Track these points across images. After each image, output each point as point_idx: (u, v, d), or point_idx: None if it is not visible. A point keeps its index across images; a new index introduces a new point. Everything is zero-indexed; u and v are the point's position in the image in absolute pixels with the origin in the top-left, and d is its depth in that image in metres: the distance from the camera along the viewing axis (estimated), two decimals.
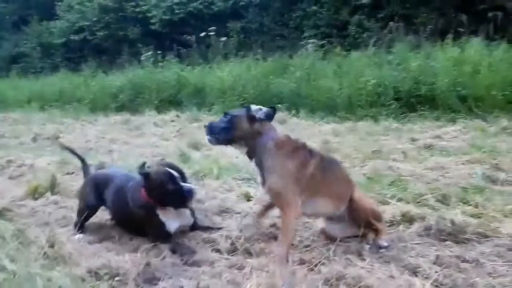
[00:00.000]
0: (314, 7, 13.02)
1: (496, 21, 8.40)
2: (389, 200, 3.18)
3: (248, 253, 2.61)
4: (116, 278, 2.23)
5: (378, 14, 11.58)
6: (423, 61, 7.55)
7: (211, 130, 2.57)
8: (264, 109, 2.56)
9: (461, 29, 8.30)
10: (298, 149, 2.57)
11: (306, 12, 13.31)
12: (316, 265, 2.37)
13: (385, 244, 2.53)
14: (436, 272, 2.19)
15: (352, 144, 5.12)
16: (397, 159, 4.33)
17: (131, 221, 2.87)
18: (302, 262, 2.46)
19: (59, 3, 18.98)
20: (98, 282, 2.13)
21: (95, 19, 17.48)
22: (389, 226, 2.87)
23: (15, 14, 22.34)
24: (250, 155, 2.58)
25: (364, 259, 2.42)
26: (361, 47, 9.23)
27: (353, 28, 11.38)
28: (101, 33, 17.26)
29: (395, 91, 7.26)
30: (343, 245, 2.61)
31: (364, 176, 3.82)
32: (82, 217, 2.97)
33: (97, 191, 3.04)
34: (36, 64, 18.47)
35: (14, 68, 17.63)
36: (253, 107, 2.56)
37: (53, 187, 3.78)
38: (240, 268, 2.41)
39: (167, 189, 2.67)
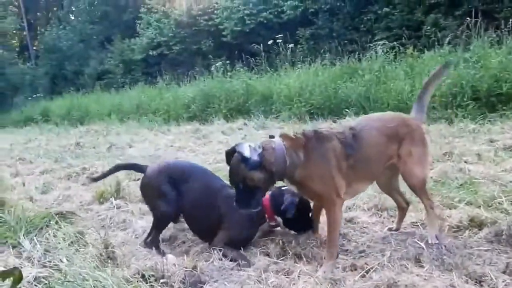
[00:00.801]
0: (386, 9, 12.61)
1: None
2: (457, 204, 2.91)
3: (298, 257, 2.50)
4: (162, 281, 2.23)
5: (456, 12, 10.93)
6: (505, 57, 6.93)
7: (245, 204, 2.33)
8: (256, 142, 2.31)
9: None
10: (314, 140, 2.34)
11: (378, 15, 12.94)
12: (368, 271, 2.20)
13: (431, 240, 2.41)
14: (504, 281, 1.93)
15: None
16: (470, 161, 3.97)
17: (212, 225, 2.74)
18: (354, 268, 2.30)
19: (139, 21, 20.16)
20: (140, 283, 2.14)
21: (171, 34, 18.36)
22: (454, 231, 2.61)
23: (101, 34, 24.15)
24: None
25: (422, 266, 2.21)
26: (435, 47, 8.71)
27: (428, 27, 10.81)
28: (177, 47, 18.11)
29: (473, 91, 6.72)
30: (400, 250, 2.41)
31: (431, 179, 3.53)
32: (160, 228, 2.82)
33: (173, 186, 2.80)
34: (118, 80, 19.75)
35: (98, 84, 19.00)
36: (244, 150, 2.22)
37: (117, 192, 3.92)
38: (288, 273, 2.31)
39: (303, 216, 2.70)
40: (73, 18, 27.36)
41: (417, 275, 2.07)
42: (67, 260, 2.45)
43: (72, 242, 2.78)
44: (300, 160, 2.28)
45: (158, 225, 2.81)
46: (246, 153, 2.21)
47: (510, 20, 7.93)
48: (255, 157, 2.20)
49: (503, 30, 7.79)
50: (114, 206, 3.67)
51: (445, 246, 2.38)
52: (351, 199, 3.21)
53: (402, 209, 2.76)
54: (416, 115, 2.69)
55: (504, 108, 6.30)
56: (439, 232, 2.51)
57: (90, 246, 2.66)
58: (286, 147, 2.28)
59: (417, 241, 2.47)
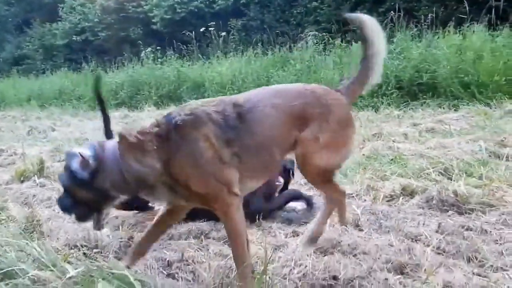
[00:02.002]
0: (315, 3, 12.92)
1: (498, 10, 8.22)
2: (389, 176, 3.05)
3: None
4: (95, 250, 2.11)
5: (380, 9, 11.46)
6: (425, 50, 7.40)
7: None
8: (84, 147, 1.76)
9: (463, 16, 8.13)
10: (173, 132, 1.72)
11: (307, 9, 13.22)
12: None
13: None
14: (438, 239, 2.04)
15: None
16: (398, 141, 4.18)
17: None
18: (295, 234, 2.33)
19: (62, 5, 19.00)
20: (72, 251, 2.00)
21: (96, 20, 17.50)
22: (388, 200, 2.73)
23: (18, 17, 22.44)
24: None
25: (361, 229, 2.28)
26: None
27: None
28: (103, 34, 17.29)
29: (397, 80, 7.10)
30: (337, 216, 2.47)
31: (364, 156, 3.67)
32: None
33: None
34: (38, 66, 18.47)
35: (15, 69, 17.64)
36: (73, 163, 1.70)
37: (40, 171, 3.67)
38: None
39: None
40: None
41: (358, 237, 2.13)
42: None
43: None
44: (153, 168, 1.69)
45: None
46: (74, 166, 1.69)
47: (429, 15, 8.46)
48: (83, 174, 1.69)
49: (423, 25, 8.31)
50: (37, 184, 3.43)
51: (381, 212, 2.48)
52: None
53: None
54: (347, 90, 2.07)
55: (425, 96, 6.71)
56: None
57: (16, 221, 2.47)
58: (125, 153, 1.71)
59: (355, 208, 2.53)
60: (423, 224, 2.27)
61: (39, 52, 19.24)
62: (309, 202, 2.75)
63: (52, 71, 15.66)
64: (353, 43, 9.07)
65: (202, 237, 2.31)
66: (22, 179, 3.57)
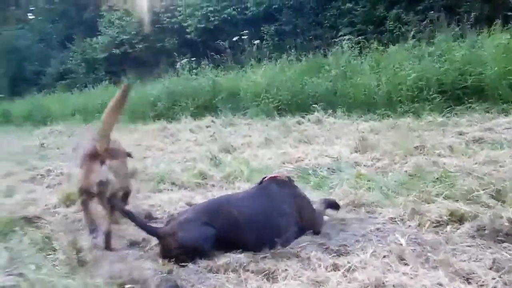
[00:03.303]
0: (349, 5, 12.67)
1: None
2: (435, 198, 2.86)
3: (280, 256, 2.37)
4: (136, 286, 2.07)
5: (417, 7, 11.10)
6: (468, 51, 7.06)
7: None
8: None
9: (510, 13, 7.71)
10: None
11: (341, 10, 12.99)
12: (351, 270, 2.10)
13: None
14: (494, 279, 1.87)
15: (392, 141, 4.77)
16: (443, 154, 3.96)
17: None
18: (336, 267, 2.19)
19: (101, 20, 19.58)
20: None
21: (134, 32, 17.91)
22: (435, 226, 2.55)
23: (61, 33, 23.37)
24: None
25: (407, 264, 2.12)
26: (400, 42, 8.81)
27: (391, 23, 10.93)
28: (140, 46, 17.67)
29: (439, 84, 6.82)
30: (382, 247, 2.32)
31: (406, 173, 3.50)
32: None
33: None
34: (81, 79, 19.11)
35: (60, 84, 18.33)
36: None
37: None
38: (270, 274, 2.18)
39: None
40: (31, 17, 26.32)
41: (403, 274, 1.98)
42: (35, 267, 2.26)
43: (39, 248, 2.57)
44: None
45: None
46: None
47: (472, 13, 8.09)
48: None
49: (465, 23, 7.95)
50: (81, 210, 3.45)
51: (427, 242, 2.31)
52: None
53: None
54: None
55: (470, 100, 6.40)
56: None
57: (60, 252, 2.47)
58: None
59: (399, 238, 2.38)
60: (476, 259, 2.09)
61: (81, 66, 19.91)
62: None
63: (94, 84, 16.16)
64: (391, 45, 8.81)
65: (241, 270, 2.22)
66: (67, 203, 3.61)
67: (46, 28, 23.82)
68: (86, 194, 2.69)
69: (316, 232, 2.64)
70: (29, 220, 3.12)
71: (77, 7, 23.86)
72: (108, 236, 2.62)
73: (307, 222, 2.65)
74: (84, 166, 2.67)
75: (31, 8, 27.25)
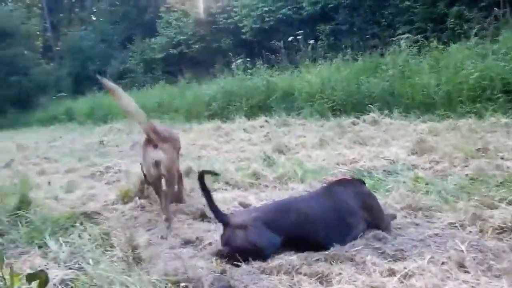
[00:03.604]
0: (408, 2, 12.30)
1: None
2: (498, 204, 2.74)
3: (334, 258, 2.37)
4: (190, 285, 2.15)
5: (481, 3, 10.58)
6: None
7: None
8: None
9: None
10: None
11: (399, 8, 12.64)
12: (407, 276, 2.06)
13: None
14: None
15: (452, 143, 4.61)
16: (507, 157, 3.78)
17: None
18: (392, 272, 2.16)
19: (159, 21, 20.25)
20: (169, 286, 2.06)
21: (190, 33, 18.39)
22: (498, 233, 2.45)
23: (122, 34, 24.43)
24: None
25: (467, 271, 2.06)
26: (461, 40, 8.45)
27: (452, 20, 10.50)
28: (197, 46, 18.12)
29: (503, 83, 6.49)
30: (440, 253, 2.26)
31: (467, 177, 3.37)
32: None
33: None
34: (139, 79, 19.88)
35: (120, 83, 19.12)
36: None
37: (142, 191, 3.86)
38: (323, 277, 2.19)
39: None
40: (94, 18, 27.69)
41: (464, 282, 1.93)
42: (94, 262, 2.40)
43: (98, 243, 2.72)
44: None
45: None
46: None
47: None
48: None
49: None
50: (138, 206, 3.61)
51: (490, 249, 2.23)
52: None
53: None
54: None
55: None
56: None
57: (117, 248, 2.60)
58: None
59: (459, 243, 2.32)
60: None
61: (140, 66, 20.73)
62: None
63: (152, 84, 16.76)
64: (451, 43, 8.48)
65: (293, 272, 2.24)
66: (125, 200, 3.79)
67: (108, 29, 25.01)
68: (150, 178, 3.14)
69: (384, 229, 2.62)
70: (89, 216, 3.29)
71: (137, 9, 24.86)
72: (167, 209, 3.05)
73: (375, 220, 2.65)
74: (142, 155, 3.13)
75: (94, 10, 28.68)
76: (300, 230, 2.47)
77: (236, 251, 2.39)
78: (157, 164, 3.03)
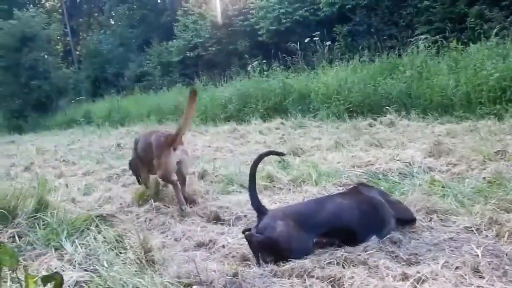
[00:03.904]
0: (427, 2, 12.15)
1: None
2: None
3: (346, 262, 2.35)
4: (202, 287, 2.16)
5: (503, 2, 10.39)
6: None
7: None
8: None
9: None
10: None
11: (418, 8, 12.49)
12: (420, 281, 2.04)
13: None
14: None
15: (470, 145, 4.53)
16: None
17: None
18: (405, 276, 2.13)
19: (177, 24, 20.43)
20: None
21: (207, 36, 18.49)
22: None
23: (140, 38, 24.76)
24: None
25: (482, 277, 2.02)
26: (481, 40, 8.30)
27: (472, 19, 10.33)
28: (213, 48, 18.22)
29: None
30: (455, 258, 2.23)
31: (484, 180, 3.31)
32: None
33: None
34: (157, 81, 20.09)
35: (138, 86, 19.40)
36: None
37: (156, 194, 3.90)
38: (335, 280, 2.17)
39: None
40: (113, 22, 28.09)
41: (478, 287, 1.89)
42: (108, 264, 2.43)
43: (112, 245, 2.75)
44: None
45: None
46: None
47: None
48: None
49: None
50: (153, 208, 3.64)
51: (506, 254, 2.18)
52: None
53: None
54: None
55: None
56: None
57: (130, 251, 2.63)
58: None
59: (474, 248, 2.27)
60: None
61: (157, 69, 20.95)
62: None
63: (169, 87, 16.92)
64: (471, 44, 8.33)
65: (306, 276, 2.23)
66: (140, 202, 3.83)
67: (126, 32, 25.35)
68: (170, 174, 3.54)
69: (413, 220, 2.71)
70: (104, 218, 3.32)
71: (154, 12, 25.16)
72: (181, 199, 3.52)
73: (400, 212, 2.69)
74: (163, 155, 3.48)
75: (112, 14, 29.10)
76: (337, 224, 2.50)
77: (271, 241, 2.38)
78: (178, 164, 3.51)
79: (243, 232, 2.56)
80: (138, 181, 4.30)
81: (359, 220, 2.52)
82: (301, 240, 2.43)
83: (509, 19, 8.27)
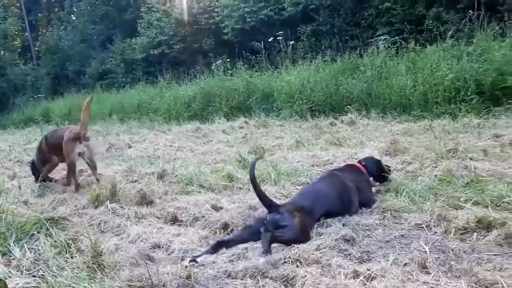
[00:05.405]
0: (388, 4, 12.41)
1: None
2: (463, 204, 2.78)
3: (299, 261, 2.37)
4: None
5: (458, 5, 10.75)
6: (509, 50, 6.79)
7: None
8: None
9: None
10: None
11: (379, 10, 12.74)
12: (370, 279, 2.08)
13: None
14: None
15: (425, 144, 4.67)
16: (475, 158, 3.84)
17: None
18: (356, 274, 2.17)
19: (140, 21, 20.05)
20: None
21: (172, 33, 18.23)
22: (461, 234, 2.49)
23: (102, 34, 24.13)
24: None
25: (428, 272, 2.08)
26: (438, 41, 8.56)
27: (430, 21, 10.64)
28: (178, 46, 17.97)
29: (477, 85, 6.58)
30: (404, 254, 2.29)
31: (435, 178, 3.41)
32: None
33: None
34: (119, 79, 19.67)
35: (100, 84, 18.93)
36: None
37: (113, 195, 3.81)
38: (288, 280, 2.19)
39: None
40: (74, 18, 27.26)
41: (424, 283, 1.95)
42: (57, 269, 2.36)
43: (62, 250, 2.67)
44: None
45: None
46: None
47: None
48: None
49: (506, 22, 7.64)
50: (109, 210, 3.56)
51: (452, 250, 2.26)
52: None
53: None
54: None
55: (509, 101, 6.14)
56: None
57: (81, 255, 2.56)
58: None
59: (423, 245, 2.34)
60: (501, 268, 2.03)
61: (120, 66, 20.51)
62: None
63: (132, 84, 16.59)
64: (428, 45, 8.57)
65: (259, 276, 2.24)
66: (96, 204, 3.74)
67: (88, 29, 24.63)
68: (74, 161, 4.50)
69: (367, 206, 3.11)
70: (56, 221, 3.20)
71: (118, 9, 24.60)
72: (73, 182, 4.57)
73: (363, 199, 3.11)
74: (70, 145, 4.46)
75: (74, 10, 28.27)
76: (328, 209, 2.94)
77: (292, 232, 2.60)
78: (80, 154, 4.51)
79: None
80: (36, 179, 4.94)
81: (340, 203, 3.01)
82: (310, 228, 2.74)
83: (463, 21, 8.55)
